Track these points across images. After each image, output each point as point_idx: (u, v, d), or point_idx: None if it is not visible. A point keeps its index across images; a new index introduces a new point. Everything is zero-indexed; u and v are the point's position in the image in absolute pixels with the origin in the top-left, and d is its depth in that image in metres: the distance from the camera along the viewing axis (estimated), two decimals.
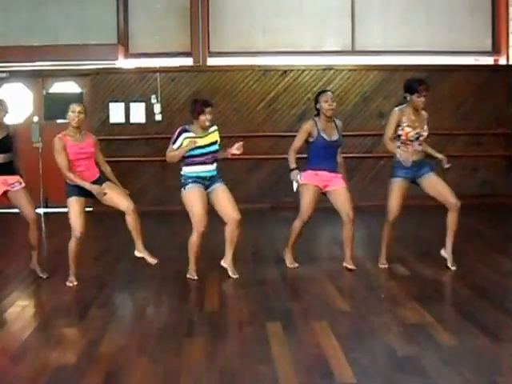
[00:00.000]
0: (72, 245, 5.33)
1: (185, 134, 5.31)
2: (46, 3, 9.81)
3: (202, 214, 5.28)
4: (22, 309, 4.79)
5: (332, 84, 9.81)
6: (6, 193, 5.52)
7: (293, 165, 5.60)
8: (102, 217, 9.10)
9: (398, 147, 5.47)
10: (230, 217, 5.38)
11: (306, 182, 5.60)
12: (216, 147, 5.45)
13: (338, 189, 5.62)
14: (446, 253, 5.67)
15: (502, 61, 10.18)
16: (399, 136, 5.47)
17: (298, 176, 5.55)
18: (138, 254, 5.52)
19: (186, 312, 4.61)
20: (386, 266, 5.68)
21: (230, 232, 5.43)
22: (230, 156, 5.52)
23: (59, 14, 9.77)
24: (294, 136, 10.40)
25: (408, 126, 5.42)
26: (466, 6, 10.18)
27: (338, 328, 4.15)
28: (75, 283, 5.31)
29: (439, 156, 5.58)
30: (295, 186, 5.58)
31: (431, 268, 5.66)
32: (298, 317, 4.47)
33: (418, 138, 5.47)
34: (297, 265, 5.80)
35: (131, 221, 5.37)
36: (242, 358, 3.71)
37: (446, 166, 5.51)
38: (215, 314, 4.53)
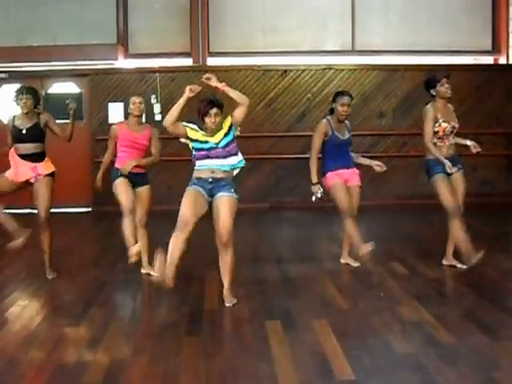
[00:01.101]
0: (125, 225, 5.34)
1: (189, 124, 4.83)
2: (46, 3, 9.83)
3: (187, 218, 4.61)
4: (22, 308, 4.79)
5: (332, 84, 9.83)
6: (28, 183, 5.50)
7: (315, 179, 5.54)
8: (101, 217, 9.15)
9: (435, 144, 5.51)
10: (219, 238, 4.71)
11: (333, 182, 5.59)
12: (227, 140, 4.79)
13: (353, 187, 5.68)
14: (450, 260, 5.67)
15: (502, 60, 10.19)
16: (436, 132, 5.49)
17: (320, 191, 5.54)
18: (143, 270, 5.70)
19: (185, 311, 4.61)
20: (455, 263, 5.62)
21: (220, 259, 4.80)
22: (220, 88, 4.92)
23: (59, 15, 9.79)
24: (294, 136, 10.44)
25: (444, 121, 5.47)
26: (465, 6, 10.19)
27: (338, 326, 4.16)
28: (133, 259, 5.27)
29: (468, 143, 5.66)
30: (314, 198, 5.56)
31: (430, 267, 5.67)
32: (297, 315, 4.47)
33: (452, 132, 5.52)
34: (370, 248, 5.46)
35: (139, 233, 5.60)
36: (242, 356, 3.72)
37: (477, 150, 5.62)
38: (215, 313, 4.54)
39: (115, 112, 9.66)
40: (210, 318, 4.46)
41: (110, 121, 9.64)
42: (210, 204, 4.75)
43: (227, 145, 4.78)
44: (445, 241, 5.74)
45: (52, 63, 9.61)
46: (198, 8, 9.82)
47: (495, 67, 10.22)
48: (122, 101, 9.63)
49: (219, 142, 4.77)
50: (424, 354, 3.63)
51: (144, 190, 5.62)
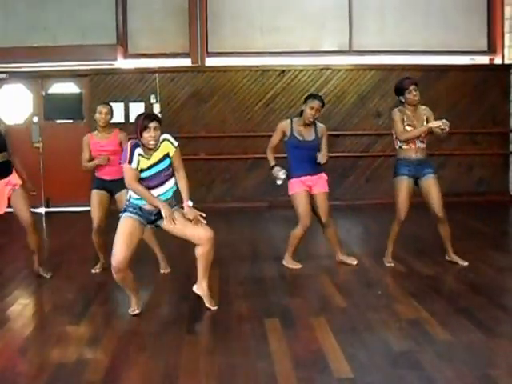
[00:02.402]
0: (92, 235, 5.75)
1: (137, 150, 4.40)
2: (46, 4, 9.85)
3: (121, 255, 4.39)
4: (23, 307, 4.83)
5: (329, 84, 9.88)
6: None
7: (272, 162, 5.71)
8: None
9: (400, 147, 5.57)
10: (202, 237, 4.46)
11: (295, 191, 5.68)
12: (166, 163, 4.45)
13: (320, 194, 5.73)
14: (450, 257, 5.76)
15: (498, 60, 10.23)
16: None
17: (281, 172, 5.62)
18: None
19: (185, 309, 4.65)
20: (392, 264, 5.74)
21: (205, 253, 4.53)
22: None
23: (58, 15, 9.81)
24: None
25: (408, 124, 5.51)
26: (461, 6, 10.23)
27: (336, 324, 4.21)
28: (98, 270, 5.85)
29: (435, 123, 5.28)
30: (279, 182, 5.68)
31: (427, 265, 5.71)
32: (295, 313, 4.52)
33: (419, 136, 5.54)
34: (300, 265, 5.82)
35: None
36: (241, 354, 3.76)
37: (444, 127, 5.21)
38: (214, 311, 4.58)
39: (115, 112, 9.61)
40: (210, 316, 4.50)
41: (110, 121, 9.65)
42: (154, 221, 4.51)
43: (163, 170, 4.44)
44: (441, 239, 5.79)
45: (52, 63, 9.62)
46: (196, 8, 9.85)
47: (491, 67, 10.25)
48: (121, 101, 9.66)
49: (156, 163, 4.42)
50: (421, 351, 3.68)
51: (123, 194, 5.41)
